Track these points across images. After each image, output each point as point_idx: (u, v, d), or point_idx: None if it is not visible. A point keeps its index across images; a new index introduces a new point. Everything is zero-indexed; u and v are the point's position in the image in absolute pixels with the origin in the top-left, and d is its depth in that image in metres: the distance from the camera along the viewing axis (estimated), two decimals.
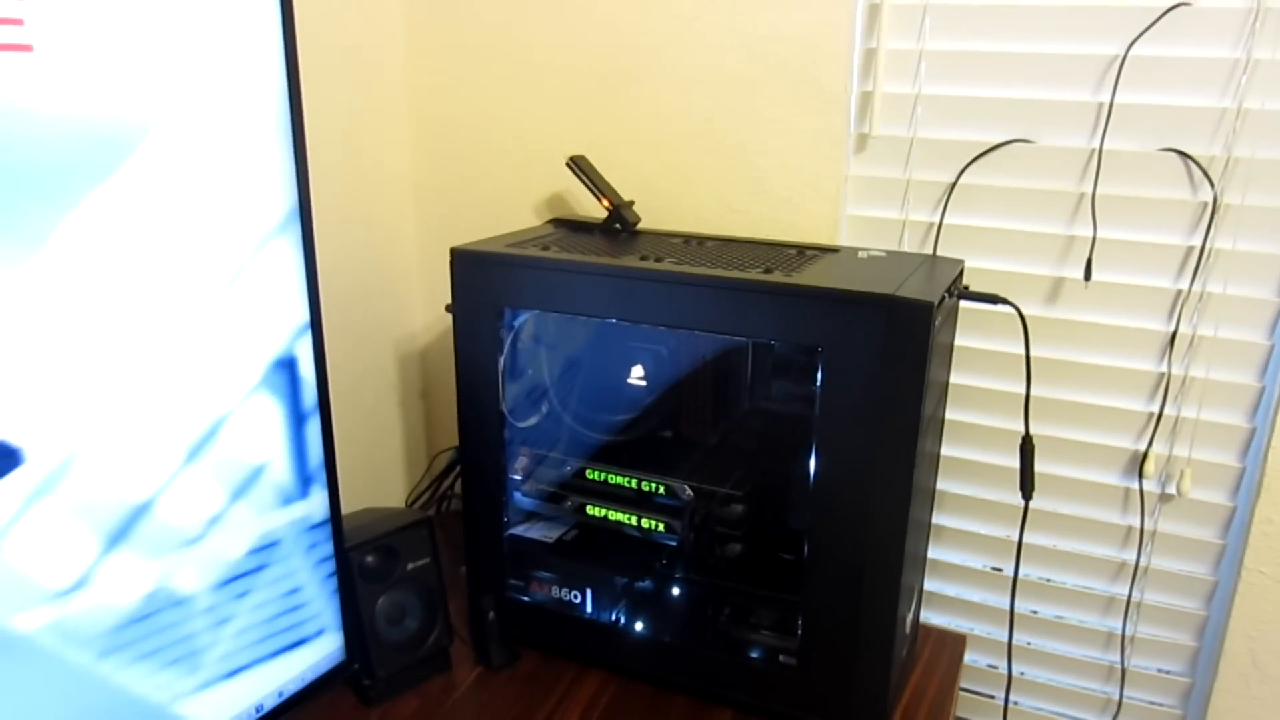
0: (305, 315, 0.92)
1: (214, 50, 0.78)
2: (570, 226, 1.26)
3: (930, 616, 1.38)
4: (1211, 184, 1.10)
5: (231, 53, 0.80)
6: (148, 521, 0.79)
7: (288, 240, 0.89)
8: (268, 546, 0.91)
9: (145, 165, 0.74)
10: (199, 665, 0.86)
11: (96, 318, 0.72)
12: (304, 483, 0.95)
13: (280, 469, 0.92)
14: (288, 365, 0.91)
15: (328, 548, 1.00)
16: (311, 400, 0.94)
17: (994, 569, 1.33)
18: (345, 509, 1.22)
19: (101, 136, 0.71)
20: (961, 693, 1.40)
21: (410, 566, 1.12)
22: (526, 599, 1.19)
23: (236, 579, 0.88)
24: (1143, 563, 1.24)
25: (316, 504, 0.97)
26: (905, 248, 1.27)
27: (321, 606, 1.00)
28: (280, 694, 0.96)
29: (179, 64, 0.75)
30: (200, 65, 0.77)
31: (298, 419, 0.93)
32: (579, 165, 1.26)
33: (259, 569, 0.91)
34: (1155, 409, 1.19)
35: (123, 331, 0.75)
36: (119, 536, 0.77)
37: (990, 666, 1.37)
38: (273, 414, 0.89)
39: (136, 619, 0.79)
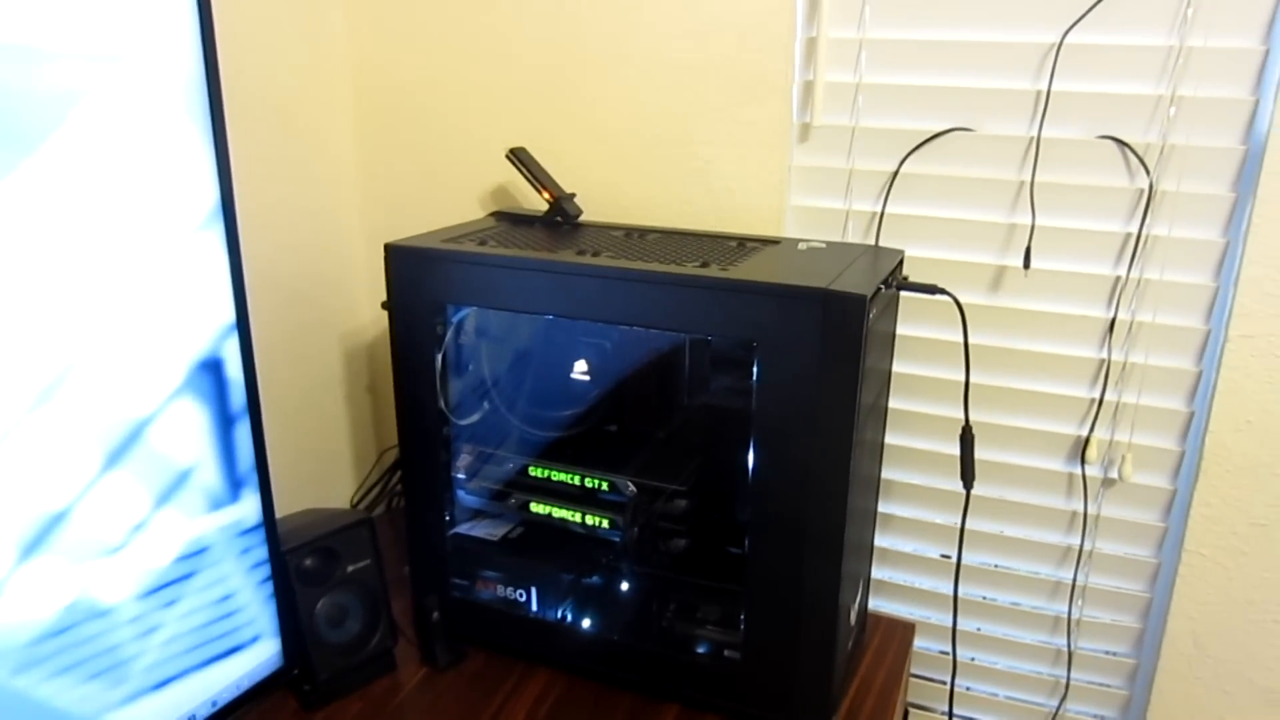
0: (232, 315, 0.90)
1: (123, 42, 0.76)
2: (512, 219, 1.24)
3: (881, 605, 1.39)
4: (1147, 171, 1.10)
5: (142, 45, 0.77)
6: (65, 530, 0.76)
7: (212, 236, 0.86)
8: (197, 553, 0.89)
9: (50, 158, 0.72)
10: (125, 677, 0.84)
11: (1, 319, 0.70)
12: (234, 486, 0.93)
13: (208, 473, 0.89)
14: (213, 367, 0.88)
15: (262, 552, 0.98)
16: (240, 402, 0.92)
17: (944, 556, 1.34)
18: (292, 509, 1.21)
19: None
20: (914, 679, 1.40)
21: (351, 568, 1.11)
22: (472, 598, 1.18)
23: (163, 587, 0.86)
24: (1087, 547, 1.25)
25: (249, 508, 0.95)
26: (849, 238, 1.26)
27: (257, 612, 0.98)
28: (214, 703, 0.94)
29: (87, 54, 0.73)
30: (111, 58, 0.75)
31: (225, 421, 0.91)
32: (519, 157, 1.25)
33: (188, 576, 0.89)
34: (1096, 395, 1.19)
35: (32, 333, 0.72)
36: (34, 546, 0.74)
37: (942, 653, 1.37)
38: (198, 417, 0.87)
39: (55, 632, 0.77)
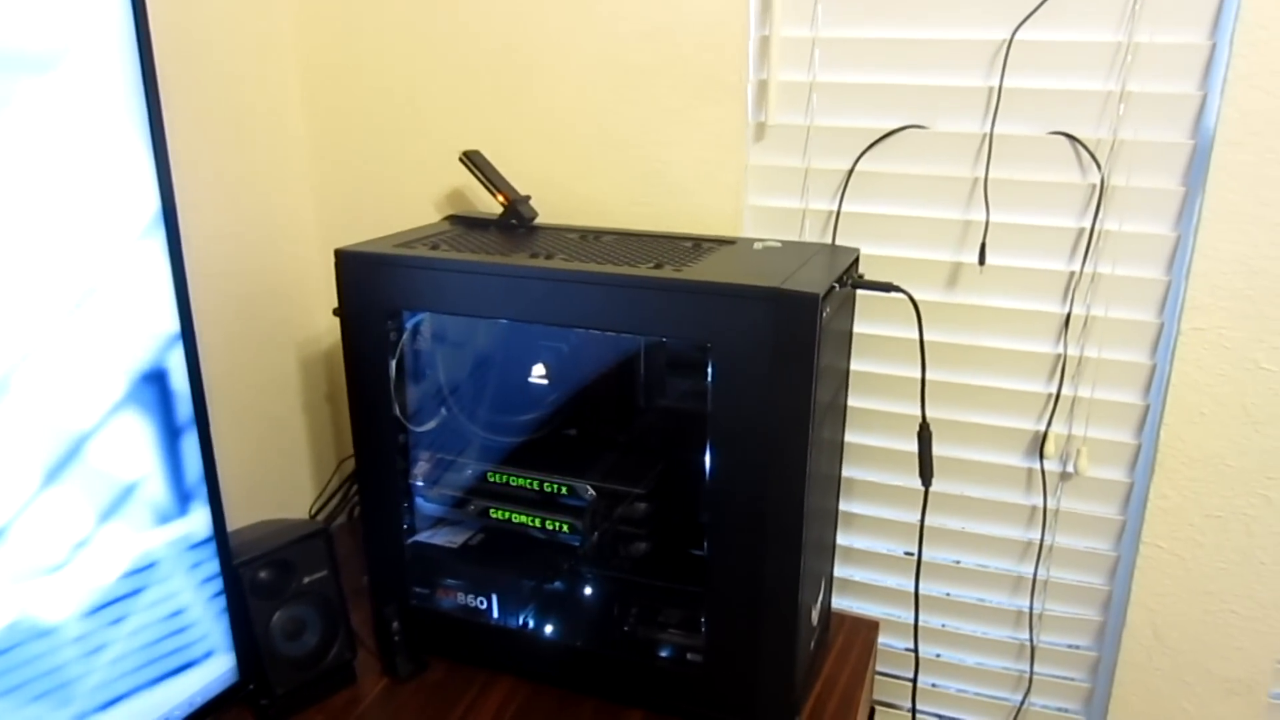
0: (176, 325, 0.88)
1: (55, 45, 0.74)
2: (467, 223, 1.23)
3: (846, 603, 1.39)
4: (1099, 166, 1.11)
5: (75, 49, 0.76)
6: (3, 549, 0.75)
7: (154, 245, 0.85)
8: (144, 568, 0.88)
9: None
10: (71, 697, 0.82)
11: None
12: (183, 500, 0.91)
13: (154, 487, 0.88)
14: (157, 378, 0.87)
15: (213, 565, 0.96)
16: (187, 413, 0.91)
17: (907, 554, 1.34)
18: (249, 521, 1.19)
19: None
20: (880, 677, 1.41)
21: (307, 579, 1.09)
22: (433, 606, 1.17)
23: (110, 604, 0.85)
24: (1047, 541, 1.25)
25: (198, 521, 0.94)
26: (806, 237, 1.26)
27: (209, 627, 0.97)
28: None
29: (13, 56, 0.71)
30: (41, 62, 0.73)
31: (172, 434, 0.89)
32: (473, 160, 1.23)
33: (135, 592, 0.87)
34: (1053, 390, 1.20)
35: None
36: None
37: (907, 650, 1.37)
38: (142, 430, 0.86)
39: None
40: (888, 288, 1.02)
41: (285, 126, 1.41)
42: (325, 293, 1.52)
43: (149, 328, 0.85)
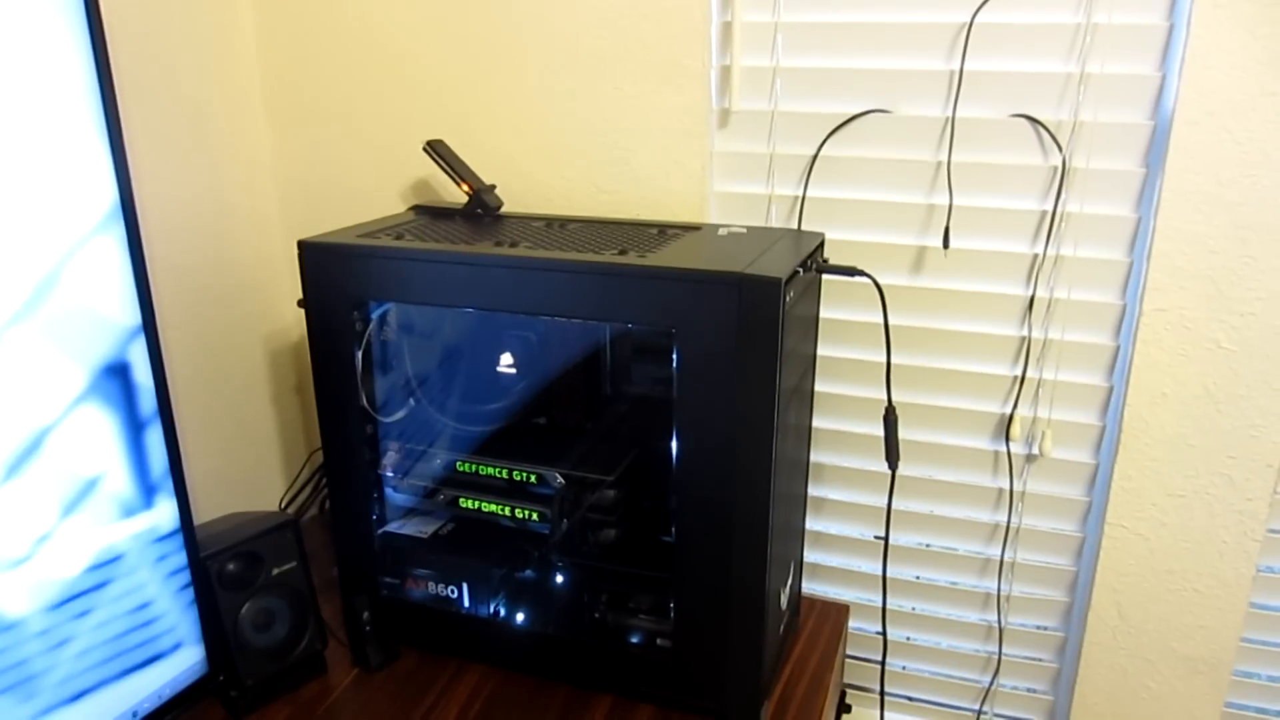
0: (137, 317, 0.88)
1: (8, 41, 0.73)
2: (432, 213, 1.23)
3: (816, 588, 1.40)
4: (1060, 148, 1.12)
5: (25, 38, 0.75)
6: None
7: (112, 237, 0.84)
8: (109, 562, 0.87)
9: None
10: (35, 691, 0.81)
11: None
12: (148, 493, 0.91)
13: (118, 480, 0.87)
14: (119, 371, 0.86)
15: (180, 558, 0.96)
16: (151, 407, 0.90)
17: (876, 538, 1.35)
18: (219, 514, 1.18)
19: None
20: (850, 660, 1.42)
21: (276, 571, 1.09)
22: (403, 596, 1.17)
23: (74, 598, 0.84)
24: (1014, 523, 1.26)
25: (164, 514, 0.93)
26: (773, 222, 1.27)
27: (177, 619, 0.96)
28: (135, 713, 0.92)
29: None
30: None
31: (135, 427, 0.88)
32: (436, 150, 1.23)
33: (100, 585, 0.86)
34: (1018, 372, 1.21)
35: None
36: None
37: (878, 633, 1.38)
38: (105, 423, 0.85)
39: None
40: (852, 272, 1.02)
41: (247, 117, 1.40)
42: (291, 284, 1.51)
43: (109, 320, 0.84)
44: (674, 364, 0.92)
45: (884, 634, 1.25)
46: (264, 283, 1.46)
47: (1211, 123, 1.04)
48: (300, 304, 1.06)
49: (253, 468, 1.48)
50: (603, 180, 1.30)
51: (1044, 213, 1.15)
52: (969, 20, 1.11)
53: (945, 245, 1.17)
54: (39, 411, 0.79)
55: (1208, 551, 1.18)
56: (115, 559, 0.88)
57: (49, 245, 0.78)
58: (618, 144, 1.28)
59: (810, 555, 1.38)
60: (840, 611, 1.29)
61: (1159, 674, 1.24)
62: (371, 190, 1.43)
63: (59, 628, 0.83)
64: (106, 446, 0.86)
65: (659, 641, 1.07)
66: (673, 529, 0.98)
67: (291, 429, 1.56)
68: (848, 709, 1.35)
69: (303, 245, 1.03)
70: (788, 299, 0.88)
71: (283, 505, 1.51)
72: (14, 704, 0.80)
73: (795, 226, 1.25)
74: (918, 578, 1.35)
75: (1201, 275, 1.09)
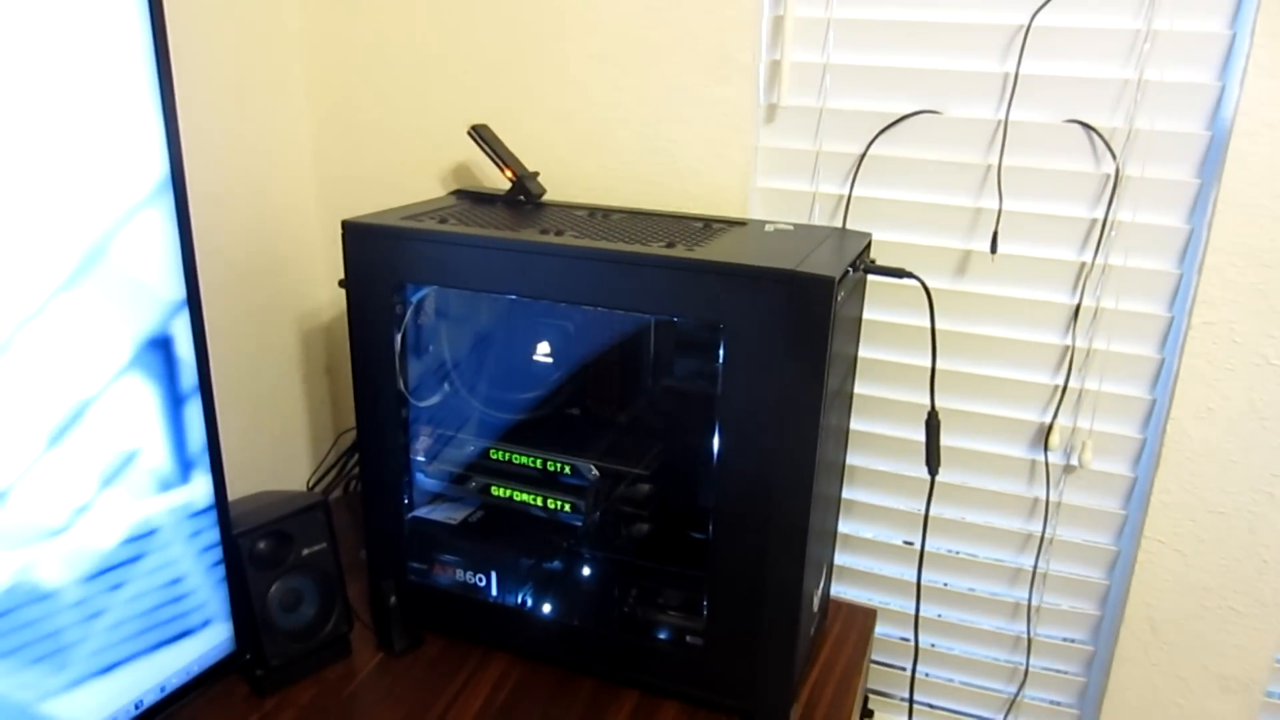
0: (181, 292, 0.87)
1: (69, 15, 0.73)
2: (473, 198, 1.22)
3: (844, 591, 1.39)
4: (1113, 155, 1.10)
5: (88, 21, 0.74)
6: (3, 511, 0.74)
7: (158, 212, 0.84)
8: (144, 535, 0.87)
9: None
10: (68, 662, 0.81)
11: None
12: (185, 468, 0.90)
13: (157, 454, 0.87)
14: (162, 345, 0.86)
15: (213, 534, 0.95)
16: (191, 382, 0.90)
17: (906, 543, 1.34)
18: (247, 492, 1.18)
19: None
20: (874, 665, 1.40)
21: (305, 552, 1.08)
22: (430, 582, 1.16)
23: (109, 570, 0.84)
24: (1048, 534, 1.25)
25: (199, 489, 0.93)
26: (815, 220, 1.25)
27: (208, 595, 0.96)
28: (163, 688, 0.91)
29: (25, 16, 0.70)
30: (55, 24, 0.72)
31: (175, 401, 0.88)
32: (481, 135, 1.22)
33: (135, 559, 0.86)
34: (1060, 381, 1.19)
35: None
36: None
37: (903, 639, 1.37)
38: (146, 396, 0.85)
39: None
40: (900, 273, 1.01)
41: (288, 97, 1.40)
42: (326, 266, 1.51)
43: (155, 293, 0.84)
44: (718, 359, 0.91)
45: (915, 640, 1.24)
46: (299, 264, 1.45)
47: (1270, 134, 1.02)
48: (341, 284, 1.05)
49: (280, 447, 1.47)
50: (644, 171, 1.29)
51: (1094, 220, 1.13)
52: (1028, 22, 1.09)
53: (993, 250, 1.15)
54: (82, 382, 0.78)
55: (1246, 570, 1.16)
56: (150, 533, 0.87)
57: (99, 214, 0.78)
58: (661, 135, 1.26)
59: (838, 557, 1.37)
60: (867, 615, 1.28)
61: (1190, 691, 1.22)
62: (410, 174, 1.42)
63: (93, 599, 0.83)
64: (147, 420, 0.85)
65: (688, 638, 1.06)
66: (707, 526, 0.97)
67: (320, 410, 1.55)
68: (870, 714, 1.34)
69: (346, 225, 1.03)
70: (838, 298, 0.87)
71: (310, 486, 1.51)
72: (47, 674, 0.79)
73: (839, 225, 1.23)
74: (946, 584, 1.33)
75: (1253, 289, 1.07)
